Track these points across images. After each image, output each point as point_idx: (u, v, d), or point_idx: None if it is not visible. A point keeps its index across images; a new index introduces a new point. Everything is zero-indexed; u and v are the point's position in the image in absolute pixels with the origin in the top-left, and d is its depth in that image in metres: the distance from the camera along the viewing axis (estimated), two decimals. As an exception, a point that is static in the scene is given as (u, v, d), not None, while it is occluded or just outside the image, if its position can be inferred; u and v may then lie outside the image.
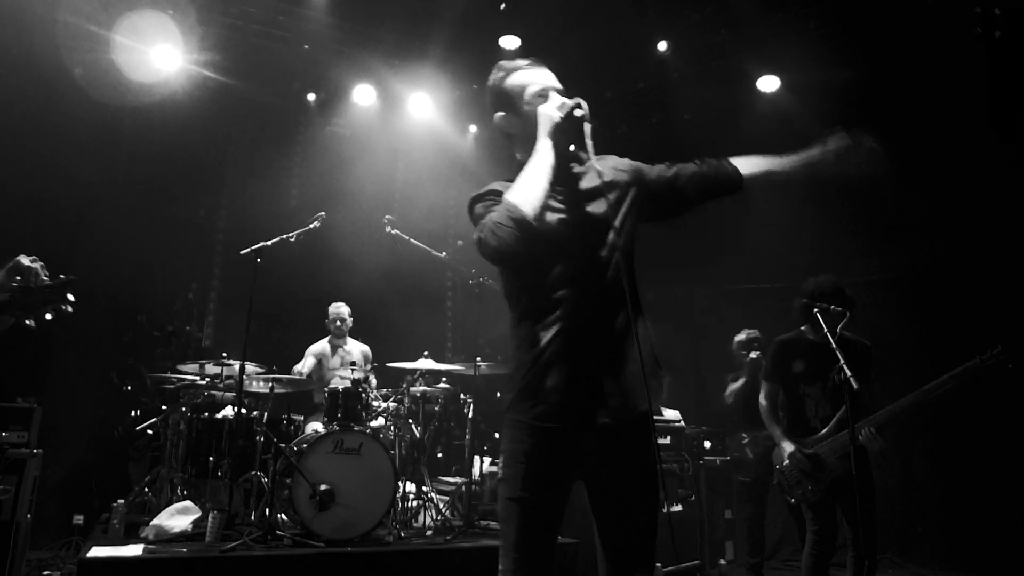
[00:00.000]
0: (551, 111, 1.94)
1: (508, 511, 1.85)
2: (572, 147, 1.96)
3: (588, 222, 1.96)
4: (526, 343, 1.91)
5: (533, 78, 2.05)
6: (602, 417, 1.83)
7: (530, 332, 1.91)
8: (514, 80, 2.08)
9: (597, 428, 1.83)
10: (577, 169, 2.04)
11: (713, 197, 2.10)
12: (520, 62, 2.11)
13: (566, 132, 1.92)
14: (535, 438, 1.85)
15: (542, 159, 1.89)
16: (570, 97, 1.97)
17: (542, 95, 2.01)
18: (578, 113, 1.91)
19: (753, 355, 5.31)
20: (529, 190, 1.84)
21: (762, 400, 3.81)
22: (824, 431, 3.54)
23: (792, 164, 2.12)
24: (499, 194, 1.91)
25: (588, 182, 2.02)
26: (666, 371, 1.98)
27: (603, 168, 2.03)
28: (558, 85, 2.06)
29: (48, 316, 2.01)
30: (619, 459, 1.86)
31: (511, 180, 1.92)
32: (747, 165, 2.09)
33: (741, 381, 5.43)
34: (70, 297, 2.01)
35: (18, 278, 2.00)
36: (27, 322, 1.99)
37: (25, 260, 2.01)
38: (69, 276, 2.04)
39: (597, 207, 1.98)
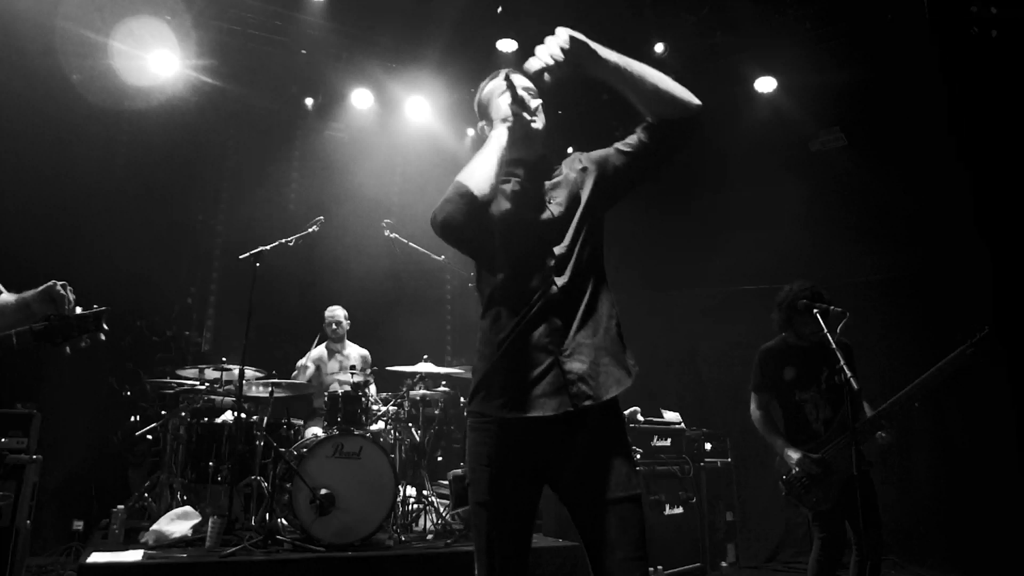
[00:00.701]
0: (500, 99, 2.03)
1: (477, 516, 1.85)
2: (523, 114, 2.00)
3: (545, 210, 1.99)
4: (486, 334, 1.94)
5: (500, 82, 2.08)
6: (564, 405, 1.81)
7: (490, 323, 1.94)
8: (485, 90, 2.15)
9: (560, 417, 1.82)
10: (539, 161, 2.09)
11: (674, 135, 2.01)
12: (499, 71, 2.14)
13: (514, 112, 1.98)
14: (497, 436, 1.85)
15: (492, 141, 1.95)
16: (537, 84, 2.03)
17: (501, 91, 2.05)
18: (513, 80, 2.00)
19: None
20: (477, 168, 1.89)
21: (754, 411, 3.75)
22: (827, 435, 3.53)
23: None
24: None
25: (553, 173, 2.08)
26: (632, 357, 1.95)
27: (572, 160, 2.11)
28: (518, 78, 2.08)
29: (83, 344, 2.05)
30: (588, 449, 1.84)
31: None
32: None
33: None
34: (104, 326, 2.06)
35: (52, 304, 2.05)
36: (66, 350, 2.04)
37: (58, 287, 2.05)
38: (102, 307, 2.11)
39: (558, 194, 2.02)
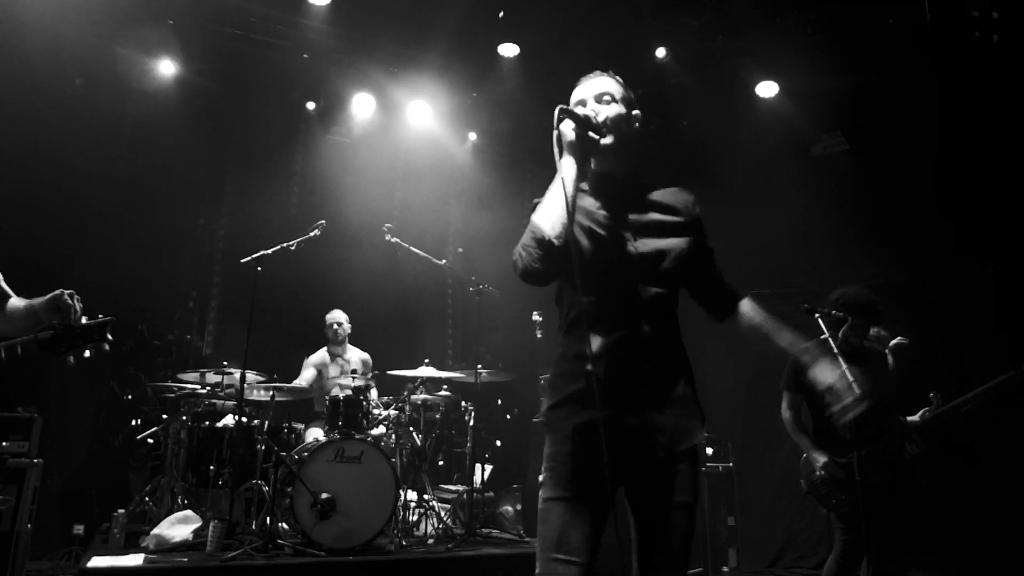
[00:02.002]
0: (564, 128, 1.89)
1: (545, 511, 1.85)
2: (589, 133, 1.91)
3: (624, 248, 1.94)
4: (572, 353, 1.92)
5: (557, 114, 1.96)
6: (640, 452, 1.84)
7: (572, 348, 1.92)
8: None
9: (638, 459, 1.84)
10: (617, 189, 2.02)
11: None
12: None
13: (576, 146, 1.88)
14: (577, 446, 1.85)
15: (560, 178, 1.85)
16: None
17: (562, 119, 1.93)
18: (571, 114, 1.89)
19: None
20: (548, 211, 1.83)
21: (785, 411, 3.79)
22: (852, 440, 3.52)
23: (781, 343, 2.08)
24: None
25: (635, 208, 2.00)
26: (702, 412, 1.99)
27: (658, 198, 2.05)
28: (583, 96, 2.03)
29: (87, 353, 2.05)
30: (657, 487, 1.87)
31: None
32: (749, 316, 2.11)
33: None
34: (109, 336, 2.06)
35: (58, 313, 2.05)
36: (69, 359, 2.04)
37: (66, 296, 2.06)
38: (108, 317, 2.12)
39: (645, 237, 1.96)
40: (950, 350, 5.11)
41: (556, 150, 1.88)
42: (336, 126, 7.44)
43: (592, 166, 2.02)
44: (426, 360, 5.34)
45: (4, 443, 4.23)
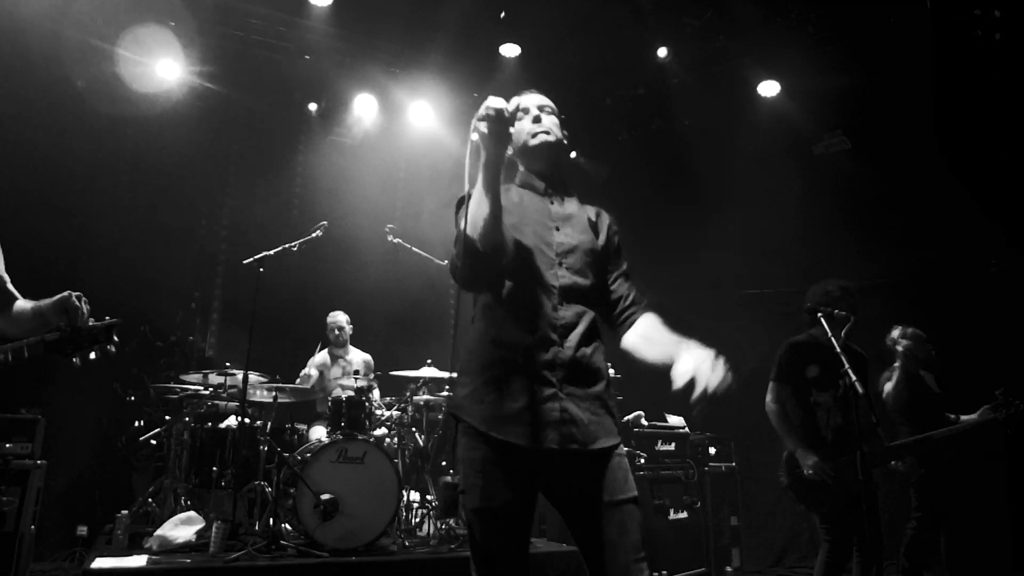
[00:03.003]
0: (480, 125, 1.87)
1: (473, 523, 1.82)
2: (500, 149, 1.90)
3: (553, 234, 2.00)
4: (482, 344, 1.93)
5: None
6: (551, 442, 1.80)
7: (485, 332, 1.93)
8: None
9: (548, 452, 1.80)
10: (545, 183, 2.11)
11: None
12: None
13: (492, 137, 1.85)
14: (490, 447, 1.83)
15: (478, 183, 1.86)
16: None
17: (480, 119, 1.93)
18: (485, 112, 1.85)
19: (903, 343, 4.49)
20: (475, 218, 1.84)
21: (770, 403, 3.70)
22: (834, 442, 3.51)
23: (660, 358, 1.95)
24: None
25: (557, 202, 2.09)
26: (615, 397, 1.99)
27: (580, 200, 2.15)
28: (527, 104, 2.13)
29: (92, 356, 2.06)
30: (573, 480, 1.84)
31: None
32: (637, 335, 2.04)
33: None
34: (115, 338, 2.07)
35: (65, 315, 2.05)
36: (74, 360, 2.04)
37: (73, 298, 2.06)
38: (114, 319, 2.12)
39: (566, 227, 2.04)
40: (951, 349, 5.09)
41: (469, 161, 1.91)
42: (338, 127, 7.44)
43: (522, 166, 2.14)
44: (428, 361, 5.34)
45: (8, 444, 4.24)
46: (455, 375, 1.97)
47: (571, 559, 4.38)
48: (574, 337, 1.90)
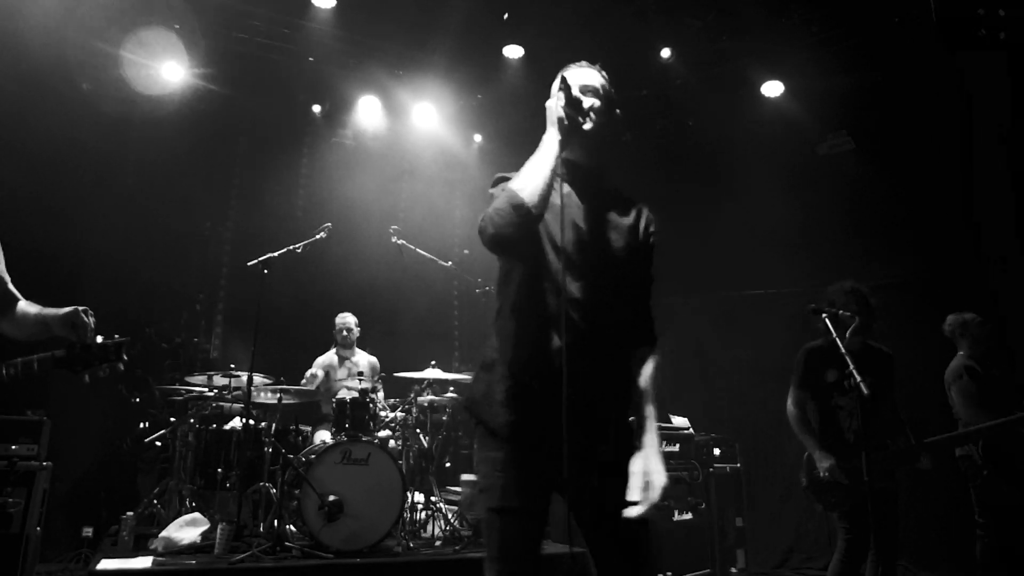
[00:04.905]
0: (553, 104, 1.87)
1: (490, 522, 1.82)
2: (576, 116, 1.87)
3: (593, 230, 1.93)
4: (511, 343, 1.88)
5: (556, 83, 1.96)
6: (568, 447, 1.75)
7: (511, 333, 1.89)
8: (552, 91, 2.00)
9: (565, 456, 1.76)
10: (592, 169, 2.01)
11: None
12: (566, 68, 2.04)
13: (561, 123, 1.84)
14: (508, 448, 1.82)
15: (543, 147, 1.84)
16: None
17: (557, 92, 1.92)
18: (567, 89, 1.85)
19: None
20: (530, 178, 1.79)
21: (791, 407, 3.73)
22: (856, 445, 3.50)
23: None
24: (507, 181, 1.88)
25: (595, 200, 1.98)
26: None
27: (619, 198, 2.04)
28: (572, 82, 1.94)
29: (101, 374, 2.06)
30: (589, 486, 1.82)
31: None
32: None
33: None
34: (124, 356, 2.06)
35: (72, 330, 2.05)
36: (85, 378, 2.05)
37: (81, 313, 2.06)
38: (124, 337, 2.11)
39: (600, 229, 1.95)
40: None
41: (548, 120, 1.86)
42: (342, 129, 7.46)
43: (564, 152, 1.94)
44: (432, 362, 5.34)
45: (13, 446, 4.26)
46: (472, 372, 1.95)
47: (576, 561, 4.36)
48: (595, 342, 1.86)
